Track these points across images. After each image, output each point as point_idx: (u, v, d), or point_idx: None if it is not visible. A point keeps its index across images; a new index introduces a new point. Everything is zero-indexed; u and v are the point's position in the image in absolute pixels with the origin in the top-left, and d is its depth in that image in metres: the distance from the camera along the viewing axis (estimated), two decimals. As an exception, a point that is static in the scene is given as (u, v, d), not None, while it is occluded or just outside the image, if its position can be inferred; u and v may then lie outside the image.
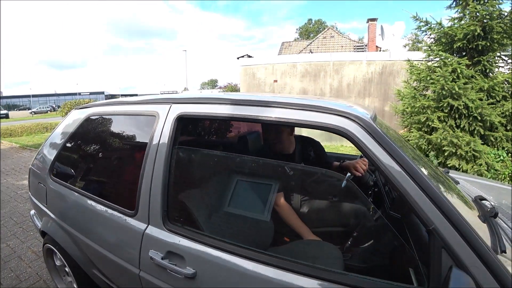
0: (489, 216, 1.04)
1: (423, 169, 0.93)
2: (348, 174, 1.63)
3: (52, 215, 1.81)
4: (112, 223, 1.39)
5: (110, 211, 1.41)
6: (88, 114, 1.80)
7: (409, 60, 4.90)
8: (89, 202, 1.54)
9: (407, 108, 4.50)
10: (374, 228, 1.21)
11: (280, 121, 1.01)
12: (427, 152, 4.42)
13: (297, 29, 34.21)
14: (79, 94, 54.69)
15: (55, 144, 1.95)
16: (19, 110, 48.33)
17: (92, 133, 1.82)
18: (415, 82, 4.73)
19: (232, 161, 1.38)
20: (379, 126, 0.93)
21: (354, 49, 17.19)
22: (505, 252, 0.83)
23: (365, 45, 17.19)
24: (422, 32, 4.69)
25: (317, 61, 7.65)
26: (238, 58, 8.53)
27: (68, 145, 1.88)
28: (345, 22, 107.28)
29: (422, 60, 4.68)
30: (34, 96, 59.05)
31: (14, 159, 6.98)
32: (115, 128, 1.72)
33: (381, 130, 0.90)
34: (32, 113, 36.33)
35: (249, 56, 8.70)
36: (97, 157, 1.79)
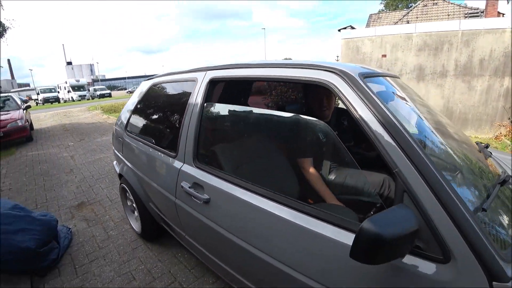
0: (496, 182, 1.03)
1: (413, 126, 1.08)
2: None
3: (126, 161, 2.43)
4: (162, 163, 1.83)
5: (160, 154, 1.87)
6: (152, 84, 2.35)
7: None
8: (148, 148, 2.04)
9: None
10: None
11: (278, 78, 1.25)
12: None
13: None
14: (164, 75, 59.74)
15: (130, 107, 2.56)
16: (118, 90, 55.97)
17: (153, 97, 2.37)
18: None
19: (253, 116, 1.62)
20: (368, 81, 1.03)
21: (466, 16, 14.20)
22: (485, 211, 0.82)
23: (481, 12, 14.05)
24: None
25: (441, 30, 6.22)
26: (339, 30, 7.58)
27: (138, 107, 2.47)
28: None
29: None
30: (128, 78, 66.96)
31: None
32: (169, 92, 2.21)
33: (364, 84, 0.98)
34: (128, 92, 42.07)
35: (352, 28, 7.57)
36: (155, 114, 2.34)
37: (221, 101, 1.82)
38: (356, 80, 1.00)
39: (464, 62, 6.08)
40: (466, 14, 14.41)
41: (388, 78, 1.41)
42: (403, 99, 1.35)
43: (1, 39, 9.43)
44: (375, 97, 0.95)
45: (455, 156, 1.13)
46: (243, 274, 1.35)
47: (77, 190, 3.78)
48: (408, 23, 13.96)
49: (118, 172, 2.62)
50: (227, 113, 1.67)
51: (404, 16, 15.94)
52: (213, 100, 1.64)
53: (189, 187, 1.49)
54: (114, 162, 2.89)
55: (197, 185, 1.47)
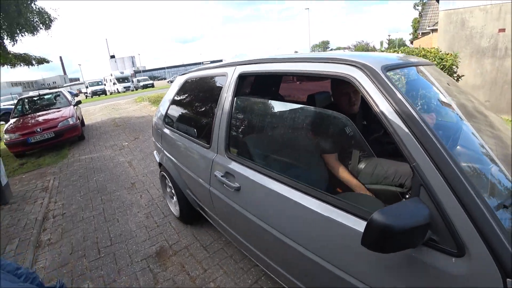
0: None
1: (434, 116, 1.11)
2: None
3: (164, 151, 2.70)
4: (197, 154, 2.01)
5: (195, 145, 2.05)
6: (186, 78, 2.55)
7: None
8: (184, 139, 2.25)
9: None
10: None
11: (302, 73, 1.30)
12: None
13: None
14: (202, 63, 61.42)
15: (167, 101, 2.79)
16: (158, 80, 58.80)
17: (188, 91, 2.57)
18: None
19: (280, 110, 1.73)
20: (390, 75, 1.05)
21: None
22: (507, 208, 0.82)
23: None
24: None
25: None
26: (437, 1, 6.51)
27: (174, 100, 2.69)
28: None
29: None
30: (167, 68, 69.74)
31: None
32: (202, 86, 2.39)
33: (385, 77, 1.00)
34: (169, 82, 43.97)
35: (455, -4, 6.34)
36: (190, 107, 2.55)
37: (251, 94, 1.93)
38: (378, 74, 1.02)
39: None
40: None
41: (421, 67, 1.39)
42: (435, 88, 1.34)
43: (47, 31, 9.42)
44: (396, 90, 0.97)
45: (485, 149, 1.10)
46: (269, 257, 1.48)
47: (148, 222, 2.89)
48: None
49: (158, 161, 2.90)
50: (256, 107, 1.78)
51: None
52: (243, 94, 1.76)
53: (222, 176, 1.65)
54: (154, 152, 3.16)
55: (229, 174, 1.62)
